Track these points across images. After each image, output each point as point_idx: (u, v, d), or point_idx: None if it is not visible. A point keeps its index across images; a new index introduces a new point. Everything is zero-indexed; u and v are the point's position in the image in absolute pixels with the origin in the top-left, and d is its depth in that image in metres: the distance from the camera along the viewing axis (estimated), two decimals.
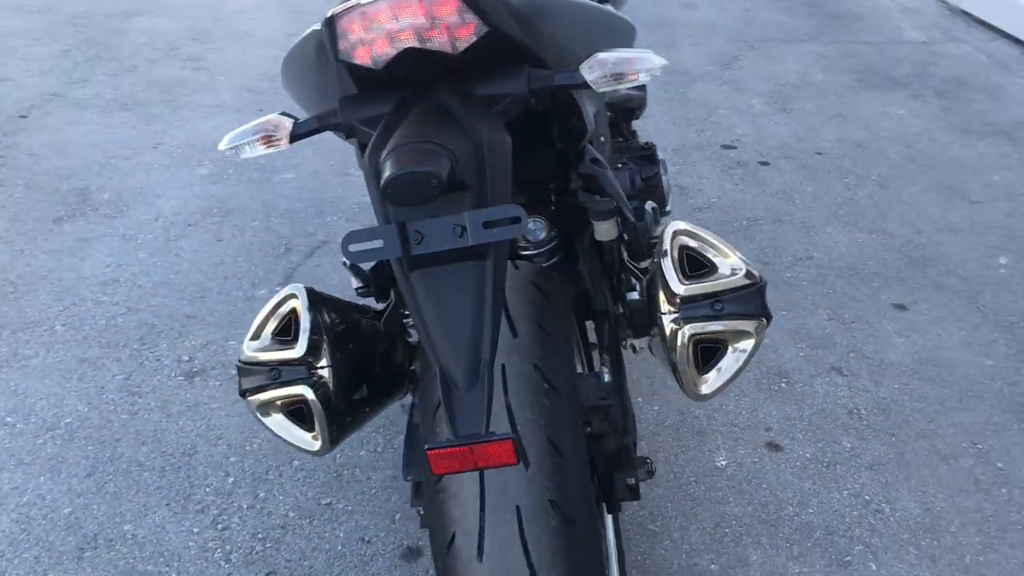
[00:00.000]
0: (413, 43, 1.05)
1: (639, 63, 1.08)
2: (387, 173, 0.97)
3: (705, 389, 1.19)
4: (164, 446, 1.99)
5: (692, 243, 1.22)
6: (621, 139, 2.18)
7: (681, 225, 1.24)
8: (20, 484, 1.90)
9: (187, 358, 2.26)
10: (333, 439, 1.32)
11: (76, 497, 1.86)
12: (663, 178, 1.96)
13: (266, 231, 2.84)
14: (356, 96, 1.17)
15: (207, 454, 1.97)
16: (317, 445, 1.32)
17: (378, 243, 1.01)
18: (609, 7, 1.36)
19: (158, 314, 2.43)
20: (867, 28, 4.79)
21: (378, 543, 1.76)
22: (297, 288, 1.34)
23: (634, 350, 1.74)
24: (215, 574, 1.69)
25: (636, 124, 2.26)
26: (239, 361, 1.34)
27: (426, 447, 0.98)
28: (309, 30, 1.21)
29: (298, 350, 1.29)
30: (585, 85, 1.09)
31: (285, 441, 1.32)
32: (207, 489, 1.88)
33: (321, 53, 1.17)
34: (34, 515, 1.82)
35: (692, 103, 3.83)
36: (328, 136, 1.39)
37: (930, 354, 2.28)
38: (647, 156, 1.98)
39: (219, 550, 1.74)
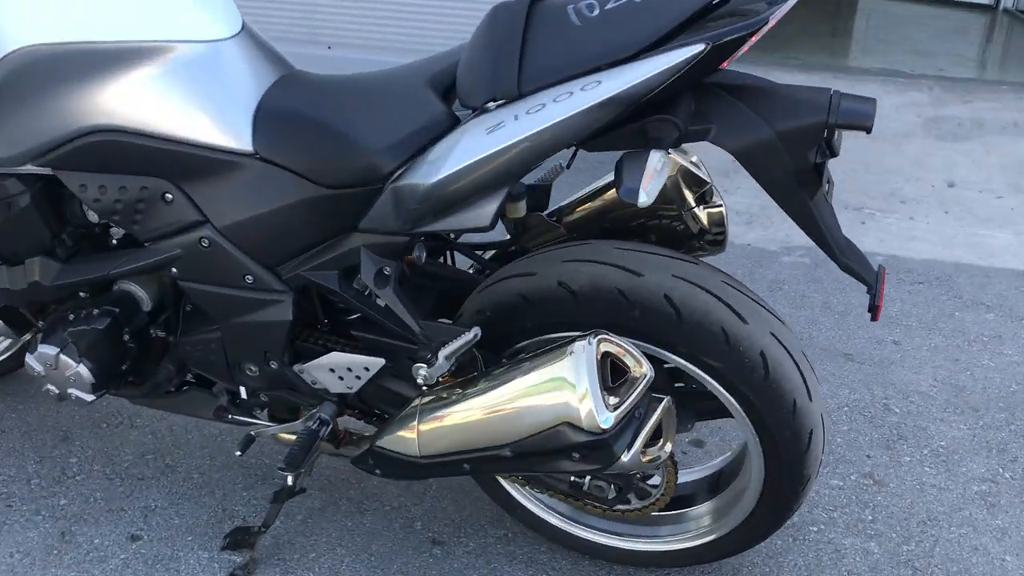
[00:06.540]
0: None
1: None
2: (859, 108, 1.30)
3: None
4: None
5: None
6: None
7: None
8: None
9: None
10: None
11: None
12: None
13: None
14: (672, 111, 1.37)
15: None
16: (670, 446, 1.46)
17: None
18: None
19: None
20: None
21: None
22: (594, 337, 1.37)
23: None
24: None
25: None
26: (600, 433, 1.31)
27: (873, 306, 1.41)
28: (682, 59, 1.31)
29: (648, 372, 1.34)
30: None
31: (646, 464, 1.42)
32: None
33: None
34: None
35: None
36: None
37: None
38: None
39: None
